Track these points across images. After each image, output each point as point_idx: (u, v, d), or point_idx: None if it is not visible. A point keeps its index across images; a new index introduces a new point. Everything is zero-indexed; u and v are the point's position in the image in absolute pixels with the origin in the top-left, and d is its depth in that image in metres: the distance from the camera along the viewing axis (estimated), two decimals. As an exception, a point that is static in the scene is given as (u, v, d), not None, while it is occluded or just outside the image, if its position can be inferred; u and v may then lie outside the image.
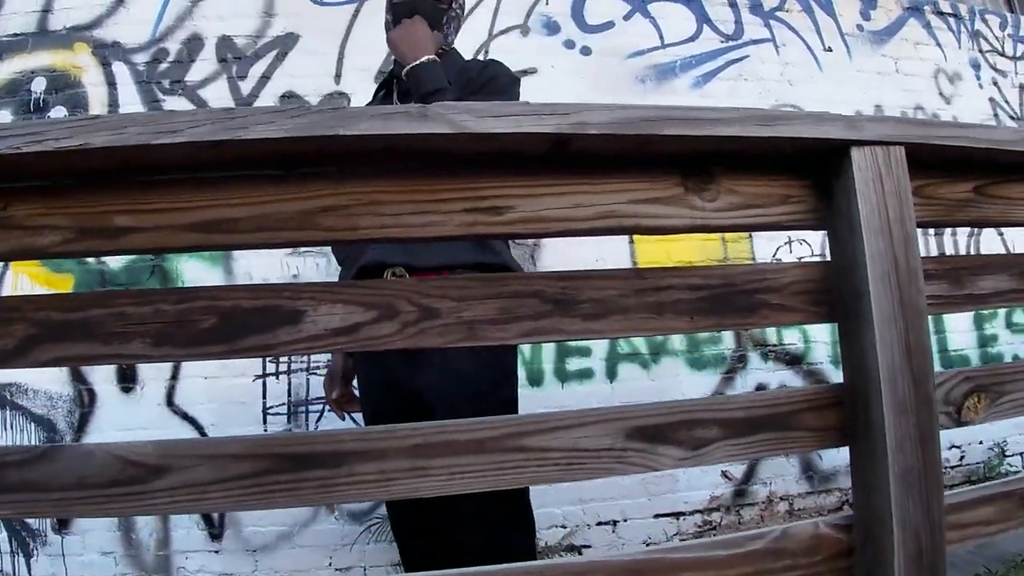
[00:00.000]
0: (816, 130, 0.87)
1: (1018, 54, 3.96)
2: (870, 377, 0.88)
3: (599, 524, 2.75)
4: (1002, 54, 3.92)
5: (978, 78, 3.79)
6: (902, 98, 3.57)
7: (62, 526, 2.52)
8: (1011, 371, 1.05)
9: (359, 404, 1.72)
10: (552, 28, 3.17)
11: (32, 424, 2.56)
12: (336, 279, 1.98)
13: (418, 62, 1.55)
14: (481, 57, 2.99)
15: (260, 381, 2.66)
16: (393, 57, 1.72)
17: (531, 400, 2.75)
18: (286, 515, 2.58)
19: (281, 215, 0.80)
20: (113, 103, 2.79)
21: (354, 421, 1.97)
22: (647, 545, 2.75)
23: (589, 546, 2.74)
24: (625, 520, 2.78)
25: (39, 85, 2.78)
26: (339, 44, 2.94)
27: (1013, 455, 3.30)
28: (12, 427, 2.55)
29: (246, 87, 2.87)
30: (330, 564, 2.60)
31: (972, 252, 3.51)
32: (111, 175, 0.79)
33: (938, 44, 3.74)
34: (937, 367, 0.94)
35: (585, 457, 0.84)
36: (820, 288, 0.95)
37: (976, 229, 3.46)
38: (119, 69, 2.83)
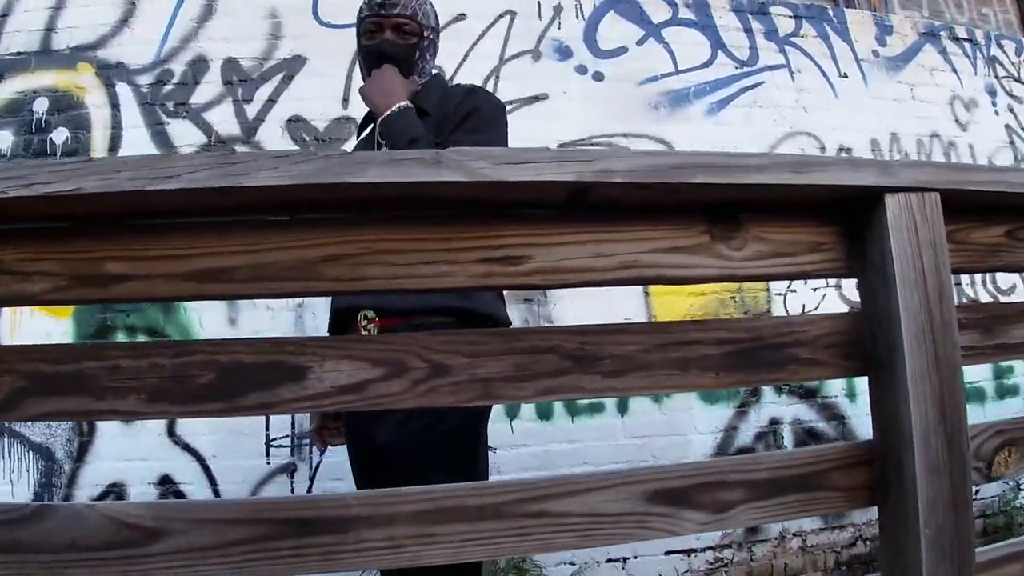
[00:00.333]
0: (850, 176, 0.83)
1: (1035, 80, 3.93)
2: (903, 435, 0.84)
3: (608, 561, 2.68)
4: (1018, 80, 3.89)
5: (994, 104, 3.76)
6: (918, 125, 3.53)
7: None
8: (1044, 424, 1.00)
9: (342, 437, 1.68)
10: (564, 53, 3.12)
11: (30, 452, 2.50)
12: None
13: (389, 111, 1.50)
14: (491, 84, 2.96)
15: (263, 412, 2.60)
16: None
17: (540, 435, 2.69)
18: None
19: (283, 264, 0.76)
20: (116, 125, 2.75)
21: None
22: (657, 582, 2.68)
23: (598, 584, 2.67)
24: (636, 557, 2.71)
25: (41, 105, 2.73)
26: (347, 67, 2.88)
27: (1029, 490, 3.22)
28: (10, 455, 2.49)
29: (251, 110, 2.82)
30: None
31: (985, 294, 3.46)
32: (104, 219, 0.75)
33: (954, 70, 3.70)
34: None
35: (605, 523, 0.80)
36: (850, 340, 0.90)
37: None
38: (123, 90, 2.78)
